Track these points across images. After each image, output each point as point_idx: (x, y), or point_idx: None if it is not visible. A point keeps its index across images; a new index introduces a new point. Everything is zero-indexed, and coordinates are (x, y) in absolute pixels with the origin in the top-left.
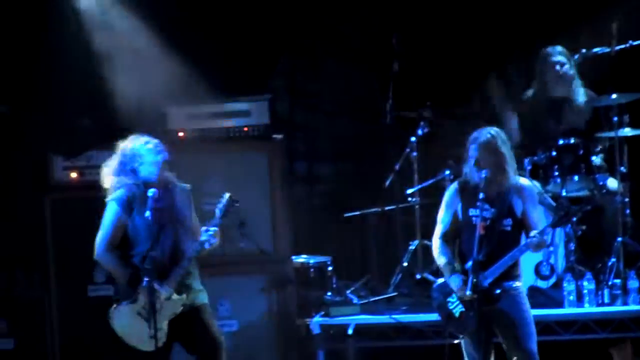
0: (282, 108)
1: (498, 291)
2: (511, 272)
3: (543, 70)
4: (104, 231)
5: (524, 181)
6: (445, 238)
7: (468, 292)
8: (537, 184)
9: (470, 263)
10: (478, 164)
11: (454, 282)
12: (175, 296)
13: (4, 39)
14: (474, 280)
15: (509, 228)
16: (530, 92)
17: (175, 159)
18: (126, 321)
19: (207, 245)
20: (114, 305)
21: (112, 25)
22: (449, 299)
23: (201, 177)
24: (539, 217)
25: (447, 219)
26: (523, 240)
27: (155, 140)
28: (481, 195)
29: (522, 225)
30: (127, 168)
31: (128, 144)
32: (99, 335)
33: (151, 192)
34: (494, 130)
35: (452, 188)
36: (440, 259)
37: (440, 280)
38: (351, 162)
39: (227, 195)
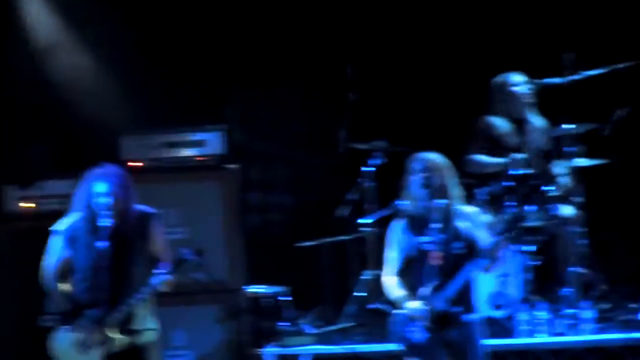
0: (237, 137)
1: (456, 310)
2: (467, 304)
3: (502, 92)
4: (48, 261)
5: (466, 207)
6: (400, 275)
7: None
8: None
9: (424, 289)
10: (427, 187)
11: (412, 306)
12: (114, 335)
13: None
14: (429, 305)
15: (459, 251)
16: (486, 118)
17: None
18: (64, 347)
19: (159, 288)
20: (57, 328)
21: (65, 52)
22: (409, 329)
23: (155, 207)
24: (486, 238)
25: (396, 255)
26: None
27: (107, 183)
28: (437, 225)
29: (473, 248)
30: (81, 200)
31: (85, 179)
32: None
33: (104, 222)
34: (435, 154)
35: (397, 225)
36: (395, 292)
37: (396, 313)
38: (306, 191)
39: (183, 251)
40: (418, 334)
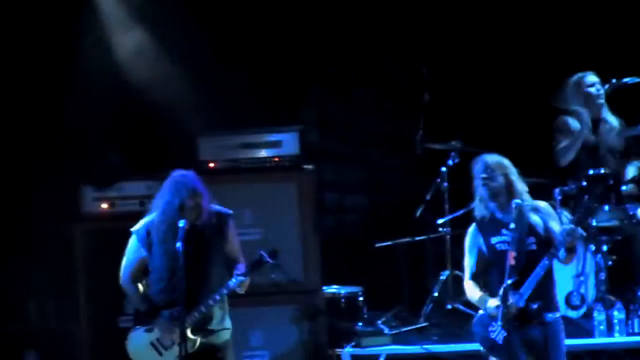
0: (312, 138)
1: (535, 306)
2: (547, 301)
3: (577, 93)
4: (126, 262)
5: (539, 202)
6: (475, 279)
7: (507, 305)
8: (567, 213)
9: (502, 288)
10: (489, 187)
11: (492, 305)
12: (190, 336)
13: (36, 69)
14: (506, 304)
15: (534, 247)
16: (562, 118)
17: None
18: (139, 347)
19: (235, 290)
20: (133, 328)
21: (143, 56)
22: (490, 329)
23: (231, 208)
24: (560, 229)
25: (472, 261)
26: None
27: (192, 186)
28: (508, 224)
29: (547, 242)
30: (159, 201)
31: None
32: None
33: (182, 222)
34: (493, 154)
35: (471, 230)
36: (474, 294)
37: (478, 314)
38: (381, 192)
39: (261, 253)
40: (498, 334)
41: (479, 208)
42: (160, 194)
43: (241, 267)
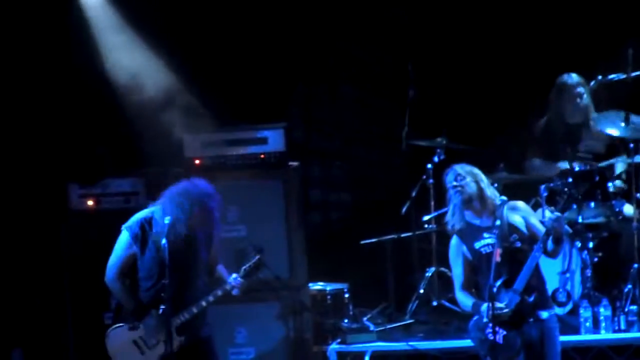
0: (298, 135)
1: (531, 299)
2: (544, 299)
3: (559, 98)
4: (114, 258)
5: (517, 202)
6: (465, 288)
7: (504, 310)
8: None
9: (493, 287)
10: (461, 193)
11: (484, 309)
12: (175, 334)
13: (22, 66)
14: (494, 304)
15: (518, 244)
16: (543, 121)
17: None
18: (120, 344)
19: (232, 292)
20: (113, 325)
21: (129, 54)
22: (487, 331)
23: None
24: (541, 225)
25: (459, 271)
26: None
27: (209, 205)
28: (488, 227)
29: (531, 239)
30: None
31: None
32: None
33: (167, 219)
34: (461, 164)
35: (453, 242)
36: (467, 303)
37: (473, 319)
38: (367, 189)
39: (257, 257)
40: (498, 334)
41: (454, 219)
42: (175, 196)
43: (221, 269)
